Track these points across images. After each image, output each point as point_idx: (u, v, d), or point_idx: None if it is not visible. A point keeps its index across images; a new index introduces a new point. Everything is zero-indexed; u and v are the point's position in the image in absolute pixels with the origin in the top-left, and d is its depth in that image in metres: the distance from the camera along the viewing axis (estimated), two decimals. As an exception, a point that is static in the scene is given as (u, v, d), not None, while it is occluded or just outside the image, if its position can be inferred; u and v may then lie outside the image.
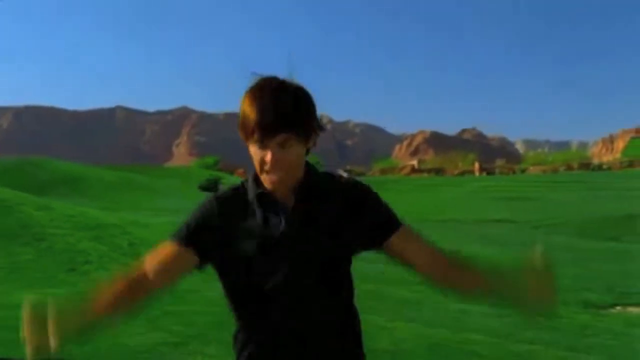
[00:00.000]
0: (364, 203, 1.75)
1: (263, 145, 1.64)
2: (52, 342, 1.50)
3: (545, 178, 55.26)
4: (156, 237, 13.36)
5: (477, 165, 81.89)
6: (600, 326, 7.77)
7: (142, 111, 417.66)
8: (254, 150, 1.66)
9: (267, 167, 1.66)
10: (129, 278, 1.69)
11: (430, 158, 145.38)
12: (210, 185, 44.20)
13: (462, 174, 76.58)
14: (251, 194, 1.72)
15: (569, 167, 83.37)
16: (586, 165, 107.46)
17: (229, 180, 58.25)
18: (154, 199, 34.71)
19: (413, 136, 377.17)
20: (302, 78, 1.73)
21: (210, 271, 1.76)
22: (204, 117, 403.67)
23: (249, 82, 1.68)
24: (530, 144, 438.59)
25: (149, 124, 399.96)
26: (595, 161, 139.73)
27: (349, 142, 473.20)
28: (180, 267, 1.72)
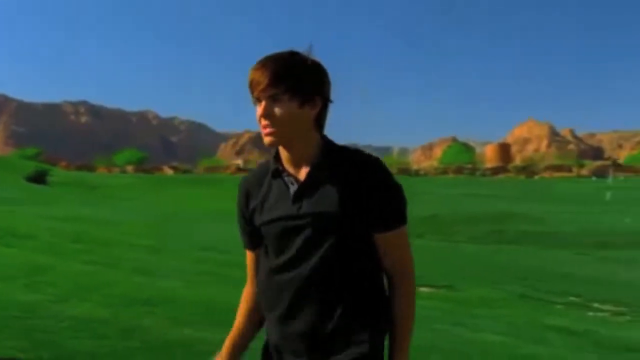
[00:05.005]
0: (375, 187, 1.79)
1: (259, 102, 1.79)
2: None
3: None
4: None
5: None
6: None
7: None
8: (256, 110, 1.81)
9: (261, 123, 1.80)
10: (248, 298, 2.03)
11: (256, 158, 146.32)
12: (37, 177, 43.09)
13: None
14: (271, 167, 1.88)
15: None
16: (405, 171, 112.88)
17: (55, 172, 55.50)
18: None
19: (239, 135, 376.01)
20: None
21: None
22: (22, 106, 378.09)
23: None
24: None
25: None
26: (414, 167, 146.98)
27: (174, 139, 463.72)
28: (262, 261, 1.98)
